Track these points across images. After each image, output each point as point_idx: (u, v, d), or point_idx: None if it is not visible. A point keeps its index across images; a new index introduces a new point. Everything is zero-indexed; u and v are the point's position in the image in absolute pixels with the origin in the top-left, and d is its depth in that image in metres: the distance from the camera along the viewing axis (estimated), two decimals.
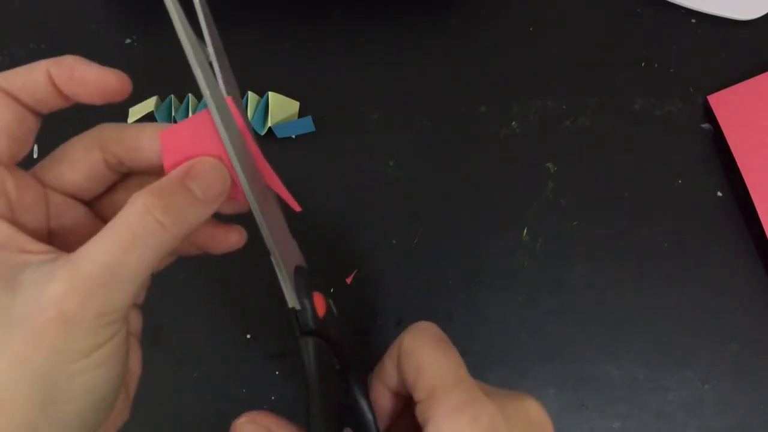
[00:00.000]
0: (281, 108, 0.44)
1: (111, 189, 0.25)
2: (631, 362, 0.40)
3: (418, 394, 0.23)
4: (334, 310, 0.26)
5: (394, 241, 0.43)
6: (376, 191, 0.44)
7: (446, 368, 0.23)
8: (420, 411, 0.23)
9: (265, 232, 0.24)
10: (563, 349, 0.41)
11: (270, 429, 0.25)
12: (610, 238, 0.42)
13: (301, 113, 0.45)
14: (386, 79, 0.46)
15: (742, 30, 0.47)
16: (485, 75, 0.46)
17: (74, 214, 0.24)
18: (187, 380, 0.40)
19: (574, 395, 0.40)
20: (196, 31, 0.22)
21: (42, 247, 0.20)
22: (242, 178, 0.23)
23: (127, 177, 0.25)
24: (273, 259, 0.24)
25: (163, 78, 0.45)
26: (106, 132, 0.23)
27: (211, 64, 0.23)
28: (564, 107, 0.45)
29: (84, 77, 0.21)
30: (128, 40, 0.48)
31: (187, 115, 0.44)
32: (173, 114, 0.44)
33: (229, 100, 0.23)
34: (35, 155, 0.40)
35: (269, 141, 0.44)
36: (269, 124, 0.43)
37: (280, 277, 0.24)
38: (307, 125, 0.44)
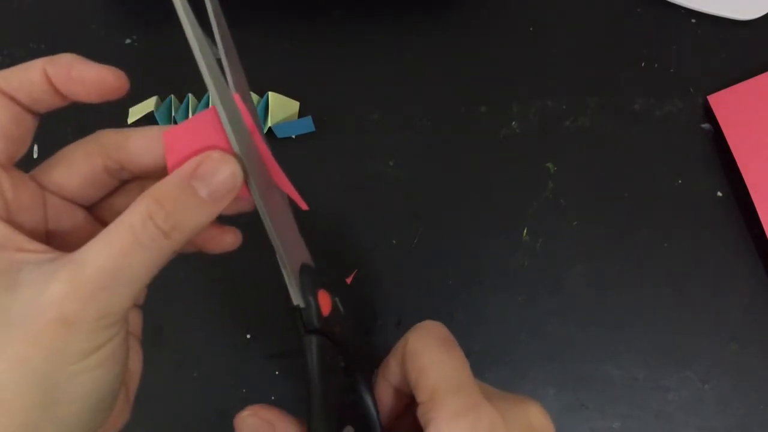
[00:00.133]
0: (281, 108, 0.44)
1: (111, 193, 0.25)
2: (631, 362, 0.40)
3: (420, 396, 0.23)
4: (341, 308, 0.26)
5: (394, 241, 0.43)
6: (376, 191, 0.44)
7: (449, 371, 0.23)
8: (421, 413, 0.23)
9: (270, 231, 0.24)
10: (563, 349, 0.41)
11: (273, 423, 0.25)
12: (610, 238, 0.42)
13: (301, 113, 0.45)
14: (386, 79, 0.46)
15: (742, 30, 0.47)
16: (485, 75, 0.46)
17: (72, 217, 0.24)
18: (187, 380, 0.40)
19: (574, 395, 0.40)
20: (206, 29, 0.22)
21: (40, 246, 0.20)
22: (248, 175, 0.22)
23: (127, 181, 0.25)
24: (278, 258, 0.24)
25: (163, 78, 0.45)
26: (105, 138, 0.23)
27: (219, 61, 0.23)
28: (564, 107, 0.45)
29: (81, 76, 0.21)
30: (128, 40, 0.48)
31: (187, 115, 0.44)
32: (173, 114, 0.44)
33: (236, 97, 0.22)
34: (35, 155, 0.40)
35: (269, 141, 0.44)
36: (269, 124, 0.43)
37: (285, 275, 0.24)
38: (307, 125, 0.44)
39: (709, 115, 0.44)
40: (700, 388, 0.40)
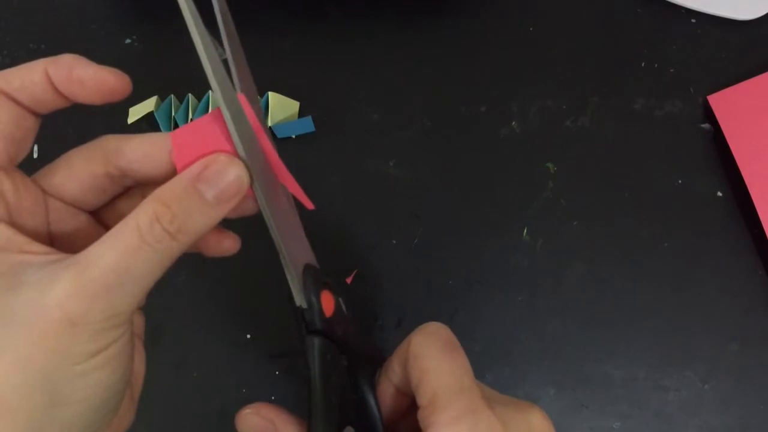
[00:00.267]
0: (281, 108, 0.44)
1: (115, 198, 0.25)
2: (631, 362, 0.40)
3: (421, 399, 0.23)
4: (344, 309, 0.26)
5: (394, 241, 0.43)
6: (376, 191, 0.44)
7: (450, 375, 0.23)
8: (422, 416, 0.22)
9: (274, 232, 0.23)
10: (563, 349, 0.41)
11: (274, 422, 0.25)
12: (610, 238, 0.42)
13: (301, 113, 0.45)
14: (386, 79, 0.46)
15: (742, 30, 0.47)
16: (485, 75, 0.46)
17: (76, 221, 0.24)
18: (187, 380, 0.40)
19: (574, 395, 0.40)
20: (213, 28, 0.22)
21: (42, 248, 0.20)
22: (252, 176, 0.22)
23: (131, 187, 0.25)
24: (281, 258, 0.24)
25: (163, 78, 0.45)
26: (107, 143, 0.23)
27: (225, 61, 0.23)
28: (564, 107, 0.45)
29: (82, 77, 0.21)
30: (128, 40, 0.48)
31: (186, 115, 0.44)
32: (173, 114, 0.44)
33: (241, 97, 0.22)
34: (35, 155, 0.40)
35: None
36: (269, 124, 0.43)
37: (288, 276, 0.24)
38: (307, 125, 0.44)
39: (709, 115, 0.44)
40: (700, 388, 0.40)
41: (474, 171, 0.44)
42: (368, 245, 0.42)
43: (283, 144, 0.45)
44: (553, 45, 0.47)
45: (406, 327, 0.41)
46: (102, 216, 0.25)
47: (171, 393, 0.40)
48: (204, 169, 0.21)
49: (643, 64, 0.46)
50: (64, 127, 0.41)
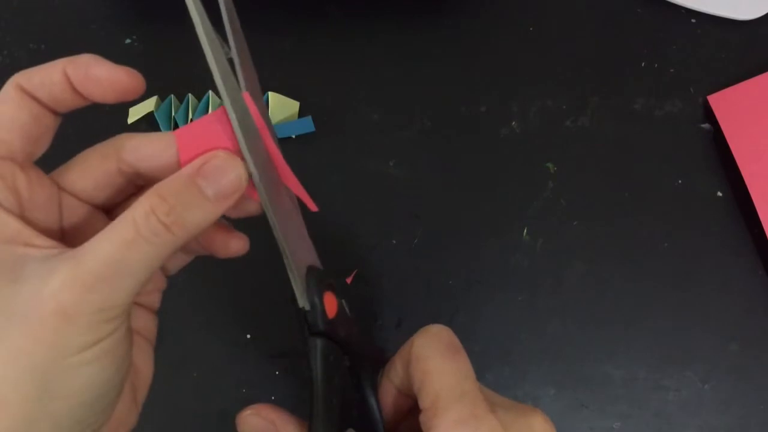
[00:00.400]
0: (281, 108, 0.44)
1: (129, 197, 0.25)
2: (631, 362, 0.40)
3: (423, 402, 0.23)
4: (347, 310, 0.26)
5: (394, 241, 0.43)
6: (376, 191, 0.44)
7: (452, 378, 0.23)
8: (423, 419, 0.23)
9: (277, 232, 0.23)
10: (563, 349, 0.41)
11: (275, 423, 0.25)
12: (610, 238, 0.42)
13: (301, 113, 0.45)
14: (386, 79, 0.46)
15: (742, 30, 0.47)
16: (485, 75, 0.46)
17: (89, 219, 0.24)
18: (187, 380, 0.40)
19: (574, 395, 0.40)
20: (218, 27, 0.22)
21: (48, 242, 0.20)
22: (255, 176, 0.22)
23: (144, 187, 0.25)
24: (284, 259, 0.24)
25: (163, 78, 0.45)
26: (121, 141, 0.23)
27: (230, 60, 0.23)
28: (564, 107, 0.45)
29: (97, 76, 0.21)
30: (128, 40, 0.48)
31: (186, 116, 0.44)
32: (173, 114, 0.44)
33: (246, 95, 0.22)
34: None
35: None
36: None
37: (291, 277, 0.24)
38: (307, 125, 0.44)
39: (709, 115, 0.44)
40: (700, 388, 0.40)
41: (474, 171, 0.44)
42: (368, 245, 0.42)
43: (283, 144, 0.44)
44: (553, 45, 0.47)
45: (406, 327, 0.41)
46: (116, 214, 0.25)
47: (171, 393, 0.40)
48: (203, 165, 0.21)
49: (643, 64, 0.46)
50: (65, 127, 0.41)
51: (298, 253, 0.24)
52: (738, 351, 0.40)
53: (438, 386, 0.23)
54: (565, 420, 0.39)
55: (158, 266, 0.21)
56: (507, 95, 0.46)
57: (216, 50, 0.21)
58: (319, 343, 0.24)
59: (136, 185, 0.24)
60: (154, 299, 0.28)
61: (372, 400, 0.26)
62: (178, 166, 0.22)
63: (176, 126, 0.44)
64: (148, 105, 0.44)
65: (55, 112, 0.22)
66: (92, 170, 0.23)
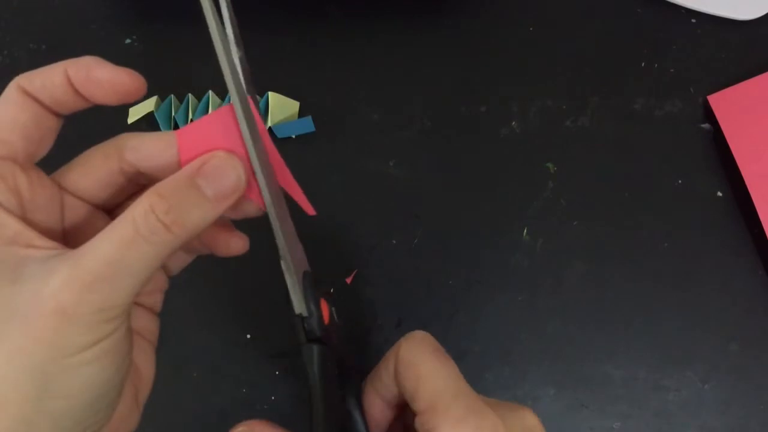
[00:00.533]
0: (281, 108, 0.44)
1: (130, 197, 0.25)
2: (631, 362, 0.40)
3: (419, 405, 0.23)
4: (336, 318, 0.26)
5: (394, 241, 0.43)
6: (376, 191, 0.44)
7: (446, 379, 0.23)
8: (421, 422, 0.23)
9: (279, 237, 0.23)
10: (563, 349, 0.41)
11: None
12: (610, 238, 0.42)
13: (301, 113, 0.45)
14: (386, 79, 0.46)
15: (742, 30, 0.47)
16: (485, 75, 0.46)
17: (91, 220, 0.24)
18: (187, 380, 0.40)
19: (574, 395, 0.40)
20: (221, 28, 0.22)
21: (50, 243, 0.21)
22: (260, 178, 0.22)
23: (146, 187, 0.25)
24: (283, 264, 0.24)
25: (163, 78, 0.45)
26: (123, 140, 0.23)
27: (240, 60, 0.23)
28: (564, 107, 0.45)
29: (99, 78, 0.21)
30: (128, 40, 0.48)
31: (186, 116, 0.44)
32: (173, 114, 0.44)
33: (248, 98, 0.23)
34: None
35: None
36: (269, 124, 0.43)
37: (289, 282, 0.24)
38: (307, 125, 0.44)
39: (709, 115, 0.44)
40: (700, 388, 0.40)
41: (474, 171, 0.44)
42: (368, 245, 0.42)
43: (283, 144, 0.45)
44: (553, 45, 0.47)
45: (406, 327, 0.41)
46: (118, 215, 0.25)
47: (171, 393, 0.40)
48: (203, 165, 0.21)
49: (643, 64, 0.46)
50: (65, 127, 0.41)
51: (296, 258, 0.24)
52: (738, 351, 0.40)
53: (434, 388, 0.23)
54: (565, 420, 0.39)
55: (158, 266, 0.21)
56: (507, 95, 0.46)
57: (227, 50, 0.21)
58: (317, 349, 0.24)
59: (138, 185, 0.25)
60: (156, 300, 0.28)
61: (356, 411, 0.26)
62: (179, 165, 0.22)
63: (176, 126, 0.44)
64: (148, 105, 0.44)
65: (57, 114, 0.22)
66: (94, 170, 0.23)
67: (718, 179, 0.43)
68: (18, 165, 0.21)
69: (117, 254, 0.19)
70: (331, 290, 0.41)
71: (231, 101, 0.22)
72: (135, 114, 0.44)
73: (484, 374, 0.40)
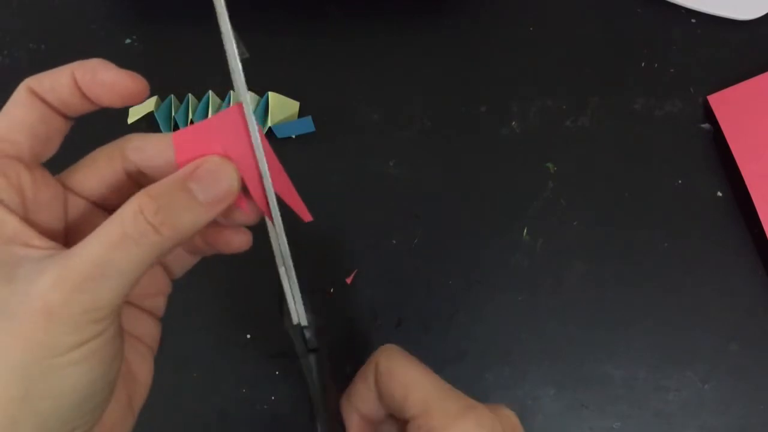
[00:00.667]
0: (281, 108, 0.44)
1: None
2: (631, 362, 0.40)
3: (412, 411, 0.24)
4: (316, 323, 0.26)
5: (394, 241, 0.43)
6: (376, 191, 0.44)
7: (434, 383, 0.24)
8: (417, 426, 0.23)
9: (283, 246, 0.23)
10: (563, 349, 0.41)
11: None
12: (610, 238, 0.42)
13: (301, 113, 0.45)
14: (386, 79, 0.46)
15: (742, 30, 0.47)
16: (485, 75, 0.46)
17: (95, 220, 0.24)
18: (187, 380, 0.40)
19: (574, 395, 0.40)
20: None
21: (48, 243, 0.20)
22: (268, 184, 0.22)
23: None
24: (283, 274, 0.24)
25: (163, 78, 0.45)
26: (127, 141, 0.23)
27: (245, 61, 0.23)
28: (564, 107, 0.45)
29: (103, 80, 0.21)
30: (128, 40, 0.48)
31: (187, 116, 0.44)
32: (173, 114, 0.44)
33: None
34: None
35: (269, 141, 0.44)
36: (269, 124, 0.43)
37: (289, 293, 0.24)
38: (307, 125, 0.44)
39: (709, 115, 0.44)
40: (700, 388, 0.40)
41: (474, 171, 0.44)
42: (368, 245, 0.42)
43: (283, 144, 0.45)
44: (553, 45, 0.47)
45: (406, 327, 0.41)
46: None
47: (171, 393, 0.40)
48: (196, 168, 0.21)
49: (643, 64, 0.46)
50: None
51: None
52: (738, 351, 0.40)
53: (424, 391, 0.24)
54: (565, 420, 0.39)
55: (148, 267, 0.20)
56: (507, 95, 0.46)
57: (239, 52, 0.21)
58: (317, 359, 0.24)
59: (142, 186, 0.24)
60: (158, 303, 0.27)
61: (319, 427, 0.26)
62: (177, 168, 0.22)
63: (176, 126, 0.44)
64: (148, 105, 0.44)
65: (65, 116, 0.23)
66: (99, 170, 0.23)
67: (718, 179, 0.43)
68: (23, 164, 0.21)
69: (105, 255, 0.19)
70: (331, 290, 0.41)
71: (234, 103, 0.22)
72: (135, 114, 0.44)
73: (484, 374, 0.40)
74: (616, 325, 0.41)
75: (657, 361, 0.40)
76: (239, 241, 0.26)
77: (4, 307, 0.19)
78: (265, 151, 0.23)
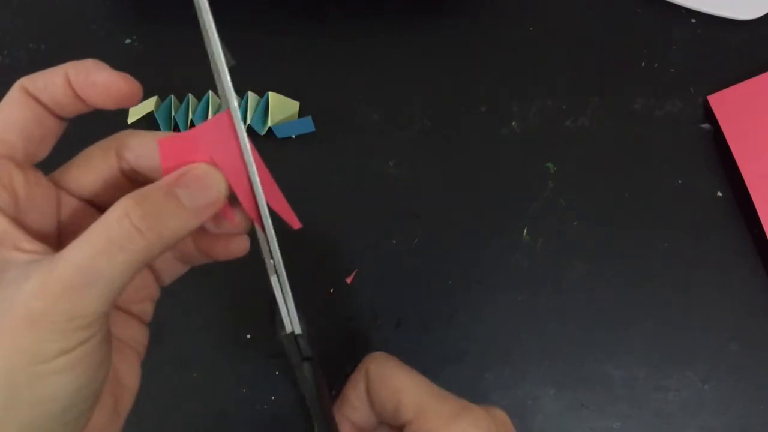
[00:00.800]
0: (281, 108, 0.44)
1: None
2: (631, 362, 0.40)
3: (406, 415, 0.24)
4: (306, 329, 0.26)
5: (394, 241, 0.43)
6: (376, 191, 0.44)
7: (425, 386, 0.24)
8: (413, 428, 0.23)
9: (276, 255, 0.23)
10: (563, 349, 0.41)
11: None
12: (610, 238, 0.42)
13: (301, 113, 0.45)
14: (386, 79, 0.46)
15: (742, 30, 0.47)
16: (485, 75, 0.46)
17: (89, 220, 0.23)
18: (187, 380, 0.40)
19: (574, 395, 0.40)
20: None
21: (39, 246, 0.20)
22: (258, 191, 0.22)
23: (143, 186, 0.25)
24: (275, 283, 0.24)
25: (163, 78, 0.45)
26: (121, 138, 0.23)
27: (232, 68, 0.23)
28: (564, 107, 0.45)
29: (97, 81, 0.21)
30: (128, 40, 0.48)
31: (186, 116, 0.44)
32: (173, 114, 0.44)
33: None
34: None
35: (269, 141, 0.44)
36: (269, 124, 0.43)
37: (282, 301, 0.24)
38: (307, 125, 0.44)
39: (709, 115, 0.44)
40: (700, 388, 0.40)
41: (474, 171, 0.44)
42: (368, 245, 0.42)
43: (283, 144, 0.45)
44: (553, 45, 0.47)
45: (405, 327, 0.41)
46: None
47: (171, 393, 0.40)
48: (183, 174, 0.21)
49: (643, 64, 0.46)
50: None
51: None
52: (738, 351, 0.40)
53: (417, 395, 0.24)
54: (565, 420, 0.39)
55: (134, 273, 0.20)
56: (507, 95, 0.46)
57: (226, 60, 0.21)
58: (312, 367, 0.24)
59: (137, 184, 0.24)
60: (146, 309, 0.27)
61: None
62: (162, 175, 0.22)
63: (176, 126, 0.44)
64: (148, 105, 0.44)
65: (59, 117, 0.22)
66: (94, 167, 0.23)
67: (718, 179, 0.43)
68: (15, 164, 0.21)
69: (89, 261, 0.19)
70: (331, 290, 0.41)
71: (224, 110, 0.22)
72: (135, 114, 0.44)
73: (484, 374, 0.40)
74: (616, 325, 0.41)
75: (657, 361, 0.40)
76: (236, 247, 0.26)
77: None
78: (255, 158, 0.23)
